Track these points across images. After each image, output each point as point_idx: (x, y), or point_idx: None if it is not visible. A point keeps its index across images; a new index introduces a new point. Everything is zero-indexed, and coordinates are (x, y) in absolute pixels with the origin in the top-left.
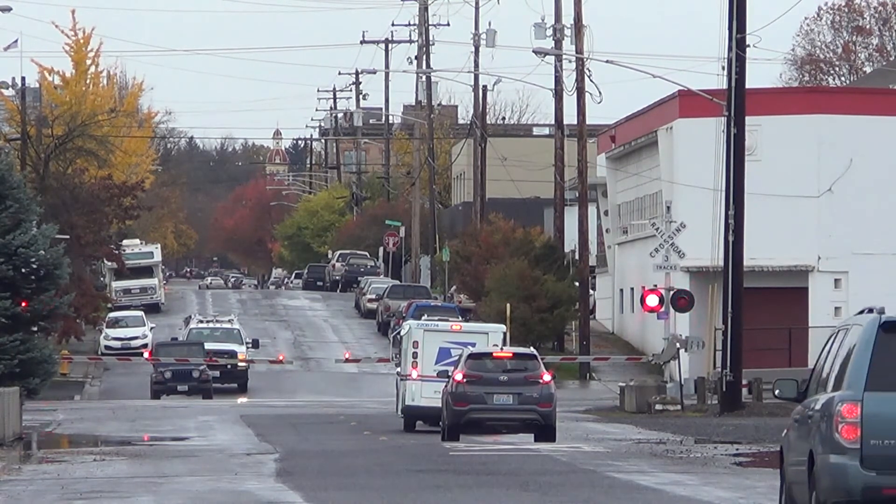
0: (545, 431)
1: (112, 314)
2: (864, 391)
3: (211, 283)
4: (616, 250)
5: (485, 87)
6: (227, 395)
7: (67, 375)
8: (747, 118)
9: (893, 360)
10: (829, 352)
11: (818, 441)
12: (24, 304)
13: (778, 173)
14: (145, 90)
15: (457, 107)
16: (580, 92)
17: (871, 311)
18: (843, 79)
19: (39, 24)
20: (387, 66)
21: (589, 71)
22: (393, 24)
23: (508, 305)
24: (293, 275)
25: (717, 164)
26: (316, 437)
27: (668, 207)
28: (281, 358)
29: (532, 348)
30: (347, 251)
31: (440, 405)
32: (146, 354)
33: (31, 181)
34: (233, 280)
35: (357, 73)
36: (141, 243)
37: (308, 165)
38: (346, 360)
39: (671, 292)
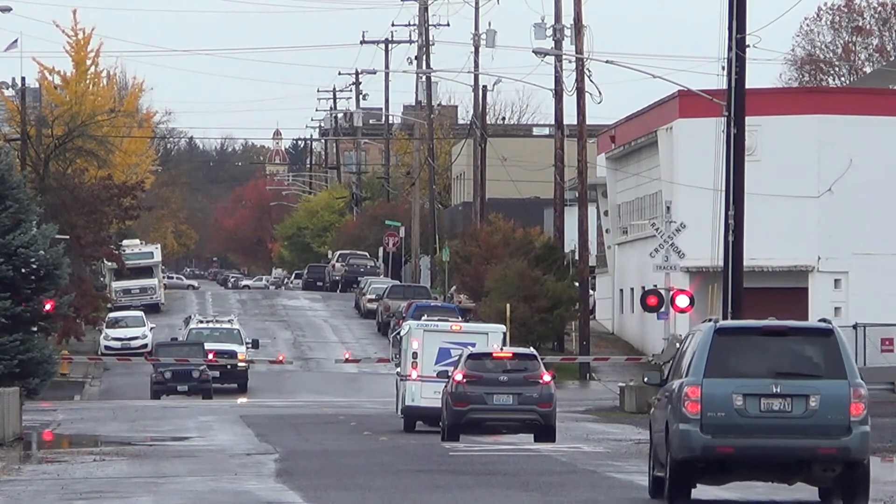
0: (545, 431)
1: (112, 314)
2: (703, 378)
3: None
4: (616, 250)
5: (485, 87)
6: (227, 396)
7: (67, 375)
8: (747, 118)
9: (724, 355)
10: (683, 349)
11: (672, 414)
12: (23, 304)
13: (778, 173)
14: (145, 90)
15: (457, 107)
16: (580, 92)
17: (709, 320)
18: (843, 79)
19: (39, 24)
20: (387, 66)
21: (589, 71)
22: (393, 25)
23: (508, 305)
24: (293, 275)
25: (717, 164)
26: (316, 438)
27: (668, 207)
28: (281, 358)
29: (532, 348)
30: (347, 251)
31: (440, 405)
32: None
33: (31, 181)
34: (232, 280)
35: (357, 74)
36: (141, 243)
37: (308, 166)
38: (346, 361)
39: (671, 292)
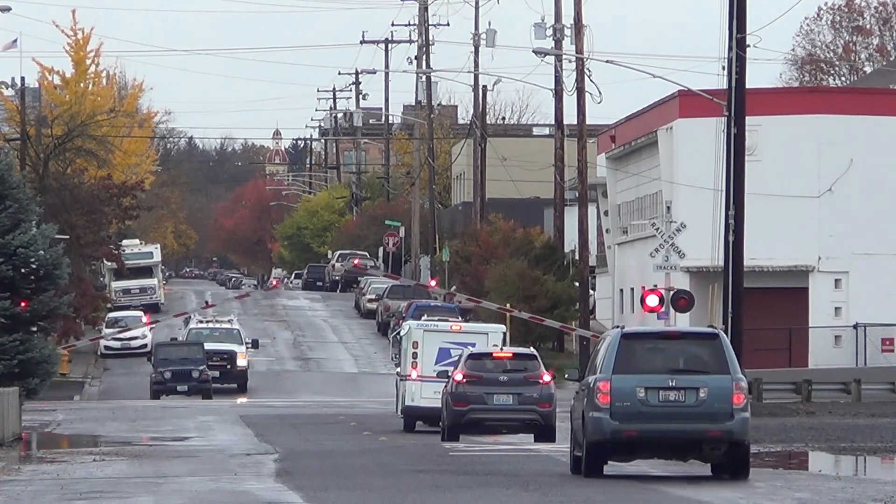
0: (545, 431)
1: (112, 314)
2: (612, 374)
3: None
4: (616, 250)
5: (485, 87)
6: (227, 396)
7: (67, 375)
8: (747, 118)
9: (630, 356)
10: (597, 350)
11: (587, 404)
12: (23, 304)
13: (778, 173)
14: (145, 90)
15: (457, 107)
16: (580, 92)
17: (617, 327)
18: (843, 79)
19: (39, 24)
20: (387, 66)
21: (589, 71)
22: (393, 24)
23: (508, 306)
24: (293, 275)
25: (717, 164)
26: (316, 438)
27: (668, 207)
28: (275, 283)
29: (532, 348)
30: (347, 251)
31: (440, 405)
32: (147, 325)
33: (31, 181)
34: (232, 280)
35: (357, 73)
36: (141, 243)
37: (308, 165)
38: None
39: (671, 292)
